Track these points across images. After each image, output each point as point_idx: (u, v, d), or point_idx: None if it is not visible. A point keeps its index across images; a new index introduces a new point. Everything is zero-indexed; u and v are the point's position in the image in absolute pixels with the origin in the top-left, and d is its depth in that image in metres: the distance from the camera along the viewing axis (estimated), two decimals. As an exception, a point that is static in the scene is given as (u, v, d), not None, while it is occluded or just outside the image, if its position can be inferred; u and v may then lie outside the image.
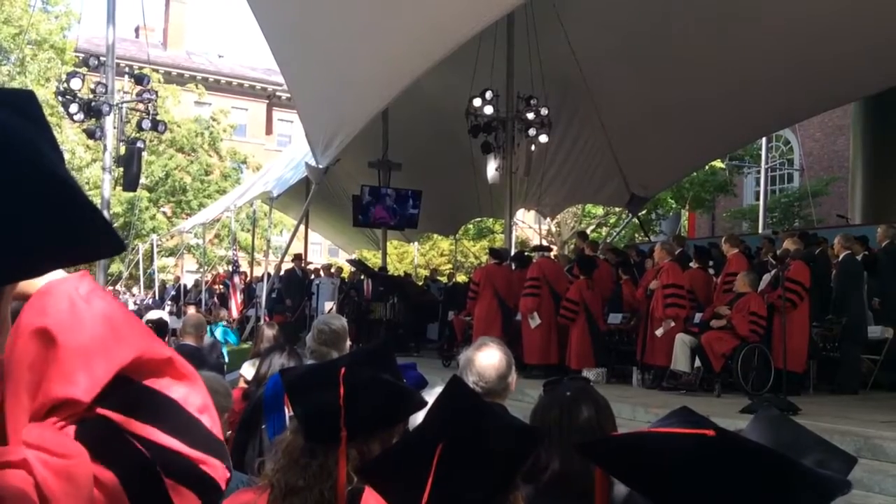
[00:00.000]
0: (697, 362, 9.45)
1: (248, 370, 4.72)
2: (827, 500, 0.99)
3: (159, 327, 6.27)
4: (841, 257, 10.27)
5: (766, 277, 9.94)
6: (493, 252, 13.40)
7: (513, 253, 14.49)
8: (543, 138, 15.47)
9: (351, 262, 20.50)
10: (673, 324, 9.89)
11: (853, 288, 10.11)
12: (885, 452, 6.28)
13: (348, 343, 4.15)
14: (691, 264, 10.97)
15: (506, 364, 2.84)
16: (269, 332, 5.79)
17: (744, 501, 0.93)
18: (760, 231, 21.15)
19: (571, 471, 1.79)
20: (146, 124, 15.86)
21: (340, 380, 1.88)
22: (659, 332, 9.98)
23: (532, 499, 1.65)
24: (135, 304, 23.36)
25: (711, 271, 11.16)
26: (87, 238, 0.79)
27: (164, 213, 33.52)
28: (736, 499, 0.93)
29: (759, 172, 26.20)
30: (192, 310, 13.92)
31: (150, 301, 24.62)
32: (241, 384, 4.82)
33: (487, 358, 2.82)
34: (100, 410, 0.95)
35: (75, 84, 15.08)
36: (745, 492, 0.93)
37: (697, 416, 1.03)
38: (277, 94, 43.16)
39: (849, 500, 5.63)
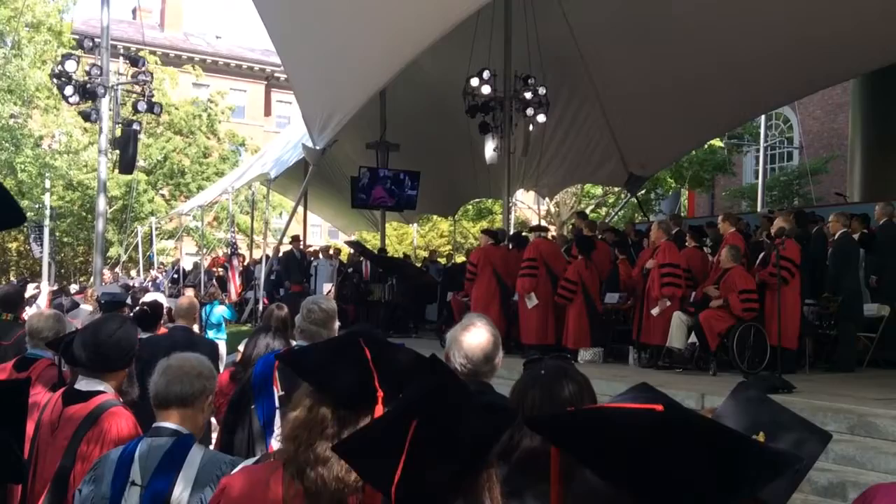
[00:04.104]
0: (692, 338, 9.47)
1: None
2: (777, 474, 0.99)
3: (154, 309, 6.26)
4: (837, 235, 10.26)
5: (761, 256, 9.95)
6: (488, 232, 13.37)
7: (511, 233, 14.46)
8: (541, 118, 15.41)
9: (350, 243, 20.49)
10: (669, 303, 9.89)
11: (848, 266, 10.10)
12: (879, 430, 6.30)
13: (337, 324, 4.16)
14: (687, 243, 10.96)
15: (493, 344, 2.81)
16: (278, 314, 5.61)
17: (693, 475, 0.93)
18: (759, 210, 21.12)
19: (546, 448, 1.79)
20: (142, 106, 15.82)
21: (364, 346, 1.98)
22: (655, 311, 10.00)
23: (506, 476, 1.65)
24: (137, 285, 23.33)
25: (708, 250, 11.15)
26: None
27: (163, 196, 33.47)
28: (685, 473, 0.93)
29: (758, 151, 26.12)
30: (189, 292, 13.92)
31: (150, 284, 24.63)
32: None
33: (474, 337, 2.80)
34: None
35: (70, 66, 15.05)
36: (695, 466, 0.93)
37: (654, 391, 1.03)
38: (276, 75, 42.97)
39: (842, 476, 5.67)
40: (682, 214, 24.89)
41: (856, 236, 10.76)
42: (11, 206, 0.78)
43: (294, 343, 4.16)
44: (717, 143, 24.50)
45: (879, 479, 5.45)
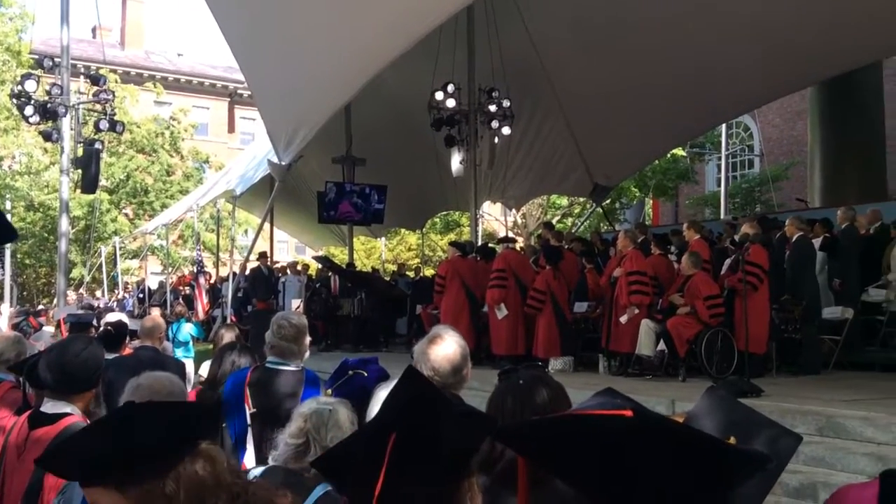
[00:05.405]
0: (661, 345, 9.54)
1: (206, 371, 4.65)
2: (749, 475, 0.99)
3: (118, 329, 6.16)
4: (794, 239, 10.39)
5: (728, 262, 10.06)
6: (456, 244, 13.39)
7: (478, 245, 14.49)
8: (506, 130, 15.50)
9: (317, 258, 20.39)
10: (637, 311, 9.96)
11: (806, 270, 10.23)
12: (847, 431, 6.38)
13: (308, 339, 4.12)
14: (652, 251, 11.06)
15: (461, 356, 2.80)
16: (228, 335, 5.56)
17: (665, 480, 0.92)
18: (722, 217, 21.37)
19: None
20: (104, 125, 15.64)
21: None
22: (623, 318, 10.06)
23: (488, 487, 1.64)
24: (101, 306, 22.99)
25: (673, 257, 11.25)
26: None
27: (126, 215, 33.07)
28: (657, 478, 0.92)
29: (719, 159, 26.46)
30: (155, 311, 13.76)
31: (115, 304, 24.31)
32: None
33: (442, 349, 2.78)
34: None
35: (30, 86, 14.85)
36: (666, 470, 0.92)
37: (621, 396, 1.02)
38: (239, 92, 42.74)
39: (813, 478, 5.73)
40: (647, 223, 25.11)
41: (819, 240, 10.93)
42: (3, 224, 0.77)
43: (267, 360, 4.11)
44: (679, 152, 24.77)
45: (849, 479, 5.52)
